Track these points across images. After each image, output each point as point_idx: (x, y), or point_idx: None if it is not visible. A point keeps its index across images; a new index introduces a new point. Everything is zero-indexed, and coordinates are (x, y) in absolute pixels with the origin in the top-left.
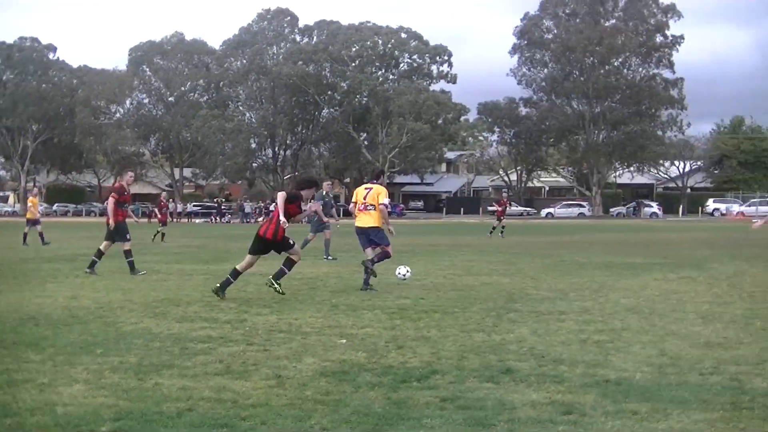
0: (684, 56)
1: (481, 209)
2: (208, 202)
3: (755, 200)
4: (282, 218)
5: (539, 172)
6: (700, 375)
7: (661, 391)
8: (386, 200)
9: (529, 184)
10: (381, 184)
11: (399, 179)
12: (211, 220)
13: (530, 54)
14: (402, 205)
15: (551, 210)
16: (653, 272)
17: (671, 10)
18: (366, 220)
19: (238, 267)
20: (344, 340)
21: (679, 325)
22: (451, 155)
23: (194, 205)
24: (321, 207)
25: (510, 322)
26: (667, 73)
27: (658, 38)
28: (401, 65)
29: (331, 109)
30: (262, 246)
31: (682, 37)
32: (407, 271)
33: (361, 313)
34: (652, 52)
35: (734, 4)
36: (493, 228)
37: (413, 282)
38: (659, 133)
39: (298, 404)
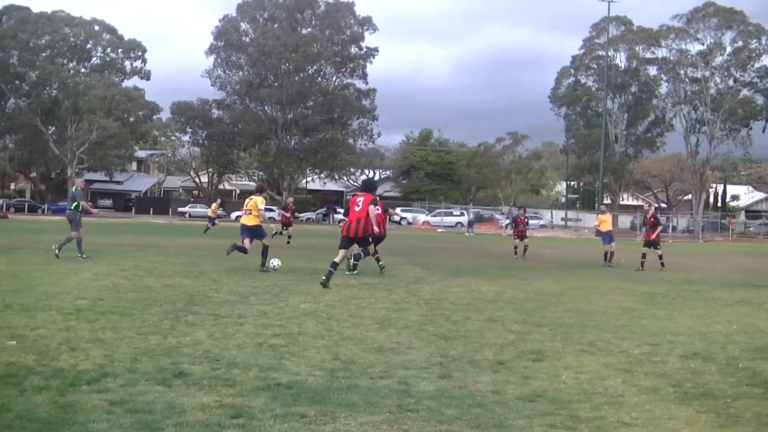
0: (379, 68)
1: (170, 210)
2: None
3: (440, 210)
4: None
5: (231, 174)
6: (371, 379)
7: (330, 395)
8: (262, 207)
9: (220, 187)
10: (262, 196)
11: (88, 176)
12: None
13: (226, 56)
14: (90, 203)
15: (241, 213)
16: (335, 278)
17: (367, 23)
18: (248, 220)
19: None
20: (14, 342)
21: (355, 330)
22: (142, 154)
23: None
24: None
25: (188, 324)
26: (360, 84)
27: (354, 49)
28: (93, 59)
29: (18, 100)
30: (348, 242)
31: (376, 49)
32: (278, 263)
33: (35, 313)
34: (347, 62)
35: (430, 23)
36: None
37: (92, 282)
38: (350, 141)
39: None
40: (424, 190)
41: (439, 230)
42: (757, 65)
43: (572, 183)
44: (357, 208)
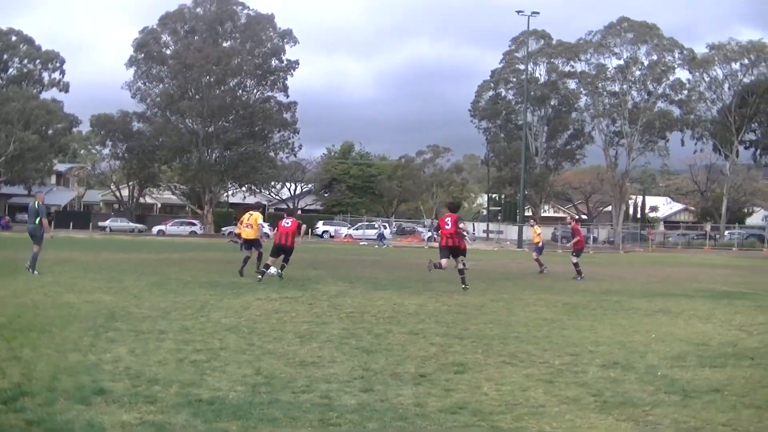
0: (300, 81)
1: (91, 224)
2: None
3: (362, 223)
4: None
5: (152, 188)
6: (293, 393)
7: (252, 410)
8: (261, 221)
9: (141, 201)
10: (259, 212)
11: (5, 190)
12: None
13: (147, 68)
14: (8, 218)
15: (163, 227)
16: (257, 292)
17: (288, 36)
18: (248, 233)
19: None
20: None
21: (277, 345)
22: (61, 167)
23: None
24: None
25: (108, 341)
26: (281, 97)
27: (274, 62)
28: (10, 70)
29: None
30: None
31: (297, 62)
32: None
33: None
34: (268, 75)
35: (352, 36)
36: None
37: (10, 299)
38: (272, 154)
39: None
40: (346, 203)
41: (362, 243)
42: (672, 78)
43: (494, 195)
44: (447, 227)
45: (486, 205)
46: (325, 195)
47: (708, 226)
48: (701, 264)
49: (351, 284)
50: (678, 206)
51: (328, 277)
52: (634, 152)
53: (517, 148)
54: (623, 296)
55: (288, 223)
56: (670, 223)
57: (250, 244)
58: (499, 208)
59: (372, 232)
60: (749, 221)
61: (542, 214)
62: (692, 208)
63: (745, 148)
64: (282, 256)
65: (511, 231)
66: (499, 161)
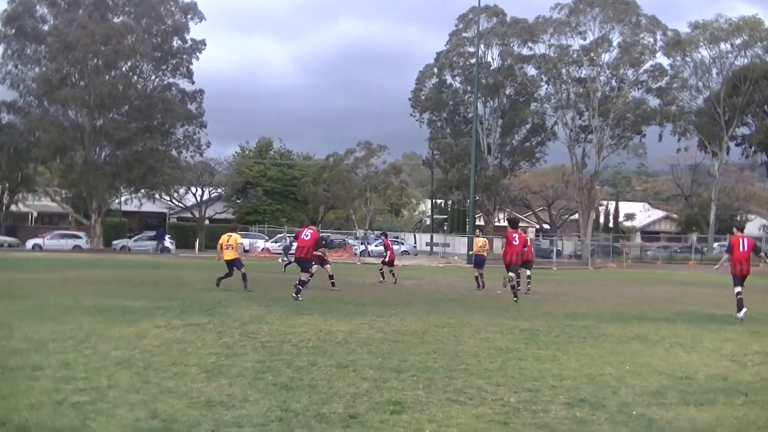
0: (207, 66)
1: None
2: None
3: (283, 235)
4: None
5: (26, 194)
6: None
7: None
8: (241, 241)
9: (13, 209)
10: (236, 232)
11: None
12: None
13: (19, 47)
14: None
15: (39, 241)
16: (155, 318)
17: (192, 11)
18: (229, 254)
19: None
20: None
21: (178, 381)
22: None
23: None
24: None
25: None
26: (185, 84)
27: (176, 42)
28: None
29: None
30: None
31: (203, 42)
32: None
33: None
34: (169, 58)
35: (271, 14)
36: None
37: None
38: (174, 153)
39: None
40: (263, 211)
41: (282, 260)
42: (651, 63)
43: (438, 202)
44: (515, 242)
45: (429, 213)
46: (238, 201)
47: (693, 238)
48: (685, 282)
49: (268, 308)
50: (658, 214)
51: (241, 300)
52: (605, 150)
53: (465, 146)
54: (592, 320)
55: (308, 236)
56: (648, 234)
57: (232, 264)
58: (445, 216)
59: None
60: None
61: (496, 223)
62: (675, 215)
63: (737, 144)
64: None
65: (459, 243)
66: (444, 161)
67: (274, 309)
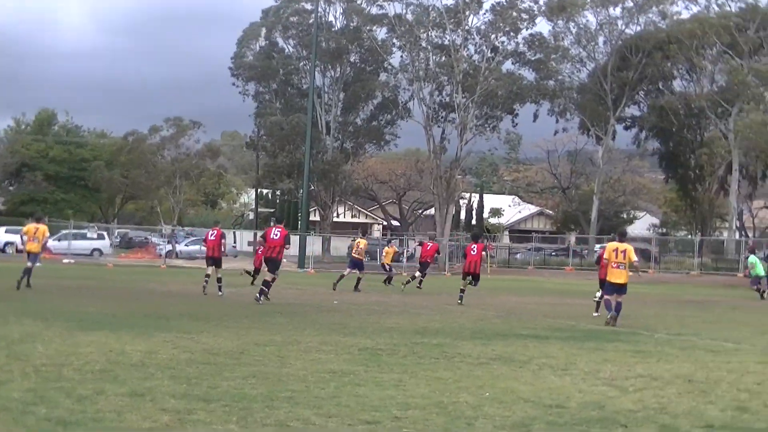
0: None
1: None
2: None
3: (68, 231)
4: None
5: None
6: None
7: None
8: (48, 234)
9: None
10: (43, 223)
11: None
12: None
13: None
14: None
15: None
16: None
17: None
18: (33, 246)
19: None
20: None
21: None
22: None
23: None
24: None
25: None
26: None
27: None
28: None
29: None
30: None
31: None
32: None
33: None
34: None
35: None
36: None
37: None
38: None
39: None
40: (43, 200)
41: (66, 261)
42: (530, 30)
43: (265, 192)
44: (473, 253)
45: (253, 206)
46: (11, 188)
47: (572, 238)
48: (560, 291)
49: (45, 322)
50: (530, 209)
51: (10, 313)
52: (470, 132)
53: (299, 124)
54: (447, 338)
55: (277, 235)
56: (518, 233)
57: (33, 257)
58: (273, 210)
59: (83, 245)
60: (630, 231)
61: (334, 219)
62: (550, 211)
63: (625, 127)
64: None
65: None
66: (272, 142)
67: (53, 324)
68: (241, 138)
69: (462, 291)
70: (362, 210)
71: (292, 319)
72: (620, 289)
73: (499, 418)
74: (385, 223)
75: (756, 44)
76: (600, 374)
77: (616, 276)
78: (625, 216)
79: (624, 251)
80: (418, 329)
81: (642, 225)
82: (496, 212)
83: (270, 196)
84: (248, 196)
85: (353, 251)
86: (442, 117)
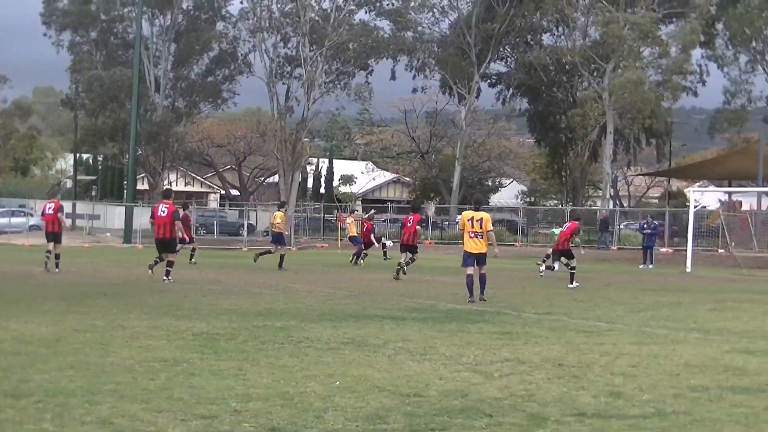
0: None
1: None
2: None
3: None
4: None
5: None
6: None
7: None
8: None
9: None
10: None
11: None
12: None
13: None
14: None
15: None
16: None
17: None
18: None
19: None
20: None
21: None
22: None
23: None
24: None
25: None
26: None
27: None
28: None
29: None
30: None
31: None
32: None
33: None
34: None
35: None
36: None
37: None
38: None
39: None
40: None
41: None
42: None
43: (85, 157)
44: (409, 224)
45: (72, 173)
46: None
47: (431, 208)
48: (419, 267)
49: None
50: (385, 176)
51: None
52: (318, 90)
53: (122, 79)
54: (292, 320)
55: (164, 212)
56: (372, 203)
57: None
58: (94, 177)
59: None
60: (495, 199)
61: (165, 186)
62: (407, 179)
63: (490, 85)
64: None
65: (113, 215)
66: (92, 100)
67: None
68: (57, 95)
69: (399, 265)
70: (197, 177)
71: (117, 301)
72: (480, 258)
73: (351, 409)
74: (223, 191)
75: None
76: (462, 359)
77: (474, 246)
78: (490, 183)
79: (480, 219)
80: (260, 311)
81: (509, 193)
82: (347, 180)
83: (91, 161)
84: (66, 162)
85: (271, 225)
86: (287, 73)
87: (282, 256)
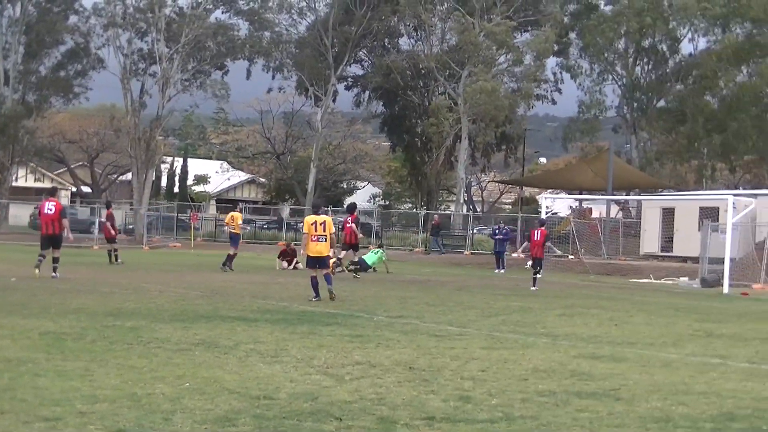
0: None
1: None
2: None
3: None
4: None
5: None
6: None
7: None
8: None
9: None
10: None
11: None
12: None
13: None
14: None
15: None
16: None
17: None
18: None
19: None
20: None
21: None
22: None
23: None
24: None
25: None
26: None
27: None
28: None
29: None
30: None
31: None
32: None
33: None
34: None
35: None
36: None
37: None
38: None
39: None
40: None
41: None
42: None
43: None
44: (348, 225)
45: None
46: None
47: (286, 210)
48: (273, 269)
49: None
50: (240, 176)
51: None
52: (173, 88)
53: None
54: (142, 320)
55: (51, 209)
56: (226, 203)
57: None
58: None
59: None
60: (349, 201)
61: (14, 183)
62: (263, 179)
63: (347, 87)
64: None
65: None
66: None
67: None
68: None
69: (351, 263)
70: (47, 173)
71: None
72: (322, 261)
73: (200, 411)
74: (74, 188)
75: (489, 2)
76: (314, 361)
77: (318, 249)
78: (345, 186)
79: (323, 223)
80: (110, 311)
81: (363, 196)
82: (201, 179)
83: None
84: None
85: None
86: (142, 69)
87: (230, 256)
